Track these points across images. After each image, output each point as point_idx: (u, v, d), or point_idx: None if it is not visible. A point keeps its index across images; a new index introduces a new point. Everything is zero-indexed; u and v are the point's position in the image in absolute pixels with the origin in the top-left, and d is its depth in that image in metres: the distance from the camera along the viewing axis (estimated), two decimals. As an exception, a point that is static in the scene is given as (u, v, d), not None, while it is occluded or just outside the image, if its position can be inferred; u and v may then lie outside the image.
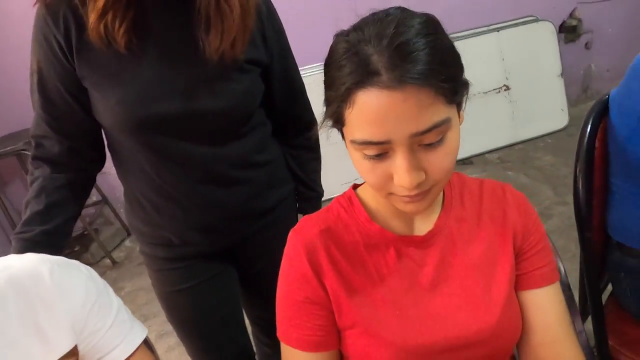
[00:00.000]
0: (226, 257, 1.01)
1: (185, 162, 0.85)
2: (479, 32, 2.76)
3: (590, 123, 0.90)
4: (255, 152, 0.92)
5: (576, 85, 3.16)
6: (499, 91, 2.85)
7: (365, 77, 0.48)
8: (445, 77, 0.48)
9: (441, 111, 0.49)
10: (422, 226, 0.62)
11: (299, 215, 1.09)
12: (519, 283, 0.62)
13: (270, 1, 0.89)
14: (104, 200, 2.62)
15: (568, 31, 3.03)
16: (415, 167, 0.50)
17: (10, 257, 0.59)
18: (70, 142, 0.84)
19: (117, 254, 2.57)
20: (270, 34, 0.86)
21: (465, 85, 0.53)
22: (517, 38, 2.83)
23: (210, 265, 0.99)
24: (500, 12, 2.82)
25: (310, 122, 1.03)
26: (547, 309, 0.61)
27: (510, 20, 2.84)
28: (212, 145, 0.85)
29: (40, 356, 0.54)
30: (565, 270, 0.76)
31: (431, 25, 0.50)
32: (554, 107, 2.95)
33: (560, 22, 2.98)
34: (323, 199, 1.11)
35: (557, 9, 2.93)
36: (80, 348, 0.58)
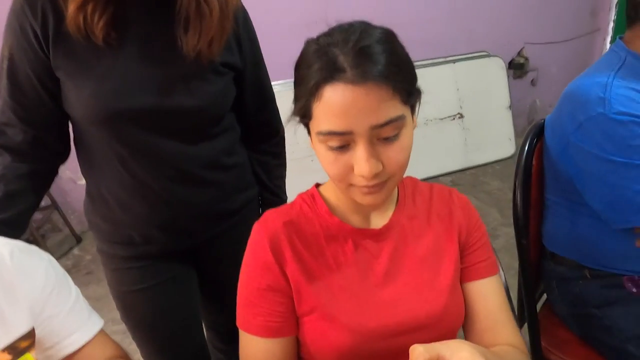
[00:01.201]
0: (187, 259, 1.01)
1: (156, 158, 0.85)
2: (436, 63, 2.95)
3: (527, 143, 1.01)
4: (224, 155, 0.95)
5: (523, 117, 3.41)
6: (454, 118, 3.03)
7: (333, 73, 0.54)
8: (401, 78, 0.55)
9: (398, 108, 0.56)
10: (378, 221, 0.68)
11: None
12: (464, 275, 0.69)
13: (247, 12, 0.93)
14: (54, 206, 2.52)
15: (516, 68, 3.28)
16: (374, 158, 0.56)
17: None
18: (35, 131, 0.83)
19: (64, 262, 2.46)
20: (245, 42, 0.91)
21: (418, 92, 0.60)
22: (471, 71, 3.04)
23: (170, 266, 0.99)
24: (456, 46, 3.02)
25: (278, 129, 1.08)
26: (489, 297, 0.68)
27: (465, 54, 3.05)
28: (183, 142, 0.86)
29: None
30: (507, 285, 0.84)
31: (389, 36, 0.58)
32: (502, 137, 3.16)
33: (509, 59, 3.23)
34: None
35: (507, 46, 3.19)
36: (37, 332, 0.58)
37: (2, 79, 0.80)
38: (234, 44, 0.89)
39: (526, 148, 1.01)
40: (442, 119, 2.99)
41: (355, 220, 0.68)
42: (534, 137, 1.02)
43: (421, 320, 0.64)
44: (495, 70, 3.09)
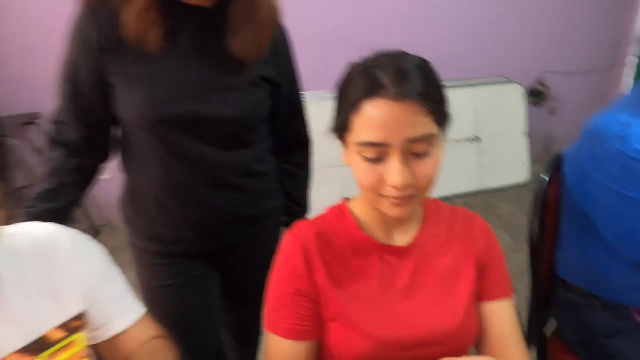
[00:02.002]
0: (211, 259, 1.06)
1: (193, 162, 0.91)
2: (456, 85, 3.00)
3: (546, 173, 1.05)
4: (255, 162, 1.00)
5: (539, 145, 3.43)
6: (470, 141, 3.07)
7: (374, 90, 0.60)
8: (435, 100, 0.61)
9: (431, 126, 0.61)
10: (402, 238, 0.73)
11: (282, 229, 1.18)
12: (481, 295, 0.73)
13: (286, 29, 0.99)
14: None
15: (535, 95, 3.31)
16: (406, 171, 0.61)
17: (35, 223, 0.64)
18: (87, 131, 0.90)
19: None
20: (283, 58, 0.97)
21: (449, 116, 0.66)
22: (490, 95, 3.08)
23: (195, 266, 1.04)
24: (476, 70, 3.07)
25: (306, 141, 1.13)
26: (502, 318, 0.72)
27: (485, 78, 3.10)
28: (219, 149, 0.92)
29: (52, 315, 0.60)
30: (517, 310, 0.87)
31: (425, 63, 0.65)
32: (517, 162, 3.18)
33: (529, 86, 3.27)
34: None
35: (527, 74, 3.22)
36: (90, 313, 0.64)
37: (65, 82, 0.87)
38: (274, 59, 0.95)
39: (544, 178, 1.05)
40: (458, 140, 3.03)
41: (381, 236, 0.72)
42: (553, 167, 1.06)
43: (437, 335, 0.68)
44: (513, 97, 3.13)
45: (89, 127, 0.90)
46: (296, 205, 1.15)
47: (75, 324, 0.61)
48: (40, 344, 0.58)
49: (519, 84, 3.12)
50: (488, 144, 3.10)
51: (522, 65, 3.17)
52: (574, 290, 1.06)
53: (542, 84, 3.30)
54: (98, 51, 0.83)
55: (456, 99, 2.98)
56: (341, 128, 0.66)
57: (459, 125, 2.96)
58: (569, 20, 3.17)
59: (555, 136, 3.45)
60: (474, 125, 3.07)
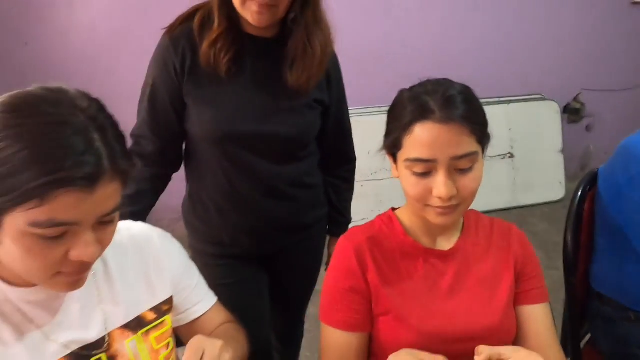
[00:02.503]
0: (263, 263, 1.17)
1: (252, 174, 1.03)
2: (490, 102, 3.03)
3: (581, 189, 1.10)
4: (305, 175, 1.11)
5: (575, 162, 3.40)
6: (504, 157, 3.08)
7: (424, 114, 0.70)
8: (477, 122, 0.70)
9: (474, 145, 0.70)
10: (444, 244, 0.81)
11: (327, 237, 1.27)
12: (518, 299, 0.80)
13: (336, 55, 1.10)
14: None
15: (571, 113, 3.30)
16: (451, 184, 0.70)
17: (129, 222, 0.76)
18: (162, 144, 1.03)
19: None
20: (334, 82, 1.08)
21: (489, 136, 0.74)
22: (525, 112, 3.10)
23: (248, 268, 1.15)
24: (511, 87, 3.09)
25: (352, 158, 1.23)
26: (539, 321, 0.79)
27: (519, 95, 3.12)
28: (274, 163, 1.04)
29: (146, 298, 0.70)
30: None
31: (468, 90, 0.75)
32: (552, 180, 3.17)
33: (564, 104, 3.26)
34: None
35: (563, 91, 3.22)
36: (174, 299, 0.74)
37: (144, 102, 1.01)
38: (325, 84, 1.06)
39: (579, 194, 1.10)
40: (492, 156, 3.05)
41: (426, 242, 0.81)
42: (588, 184, 1.11)
43: (477, 332, 0.75)
44: (549, 114, 3.13)
45: (164, 140, 1.03)
46: (340, 216, 1.24)
47: (165, 307, 0.72)
48: (138, 323, 0.68)
49: (555, 101, 3.12)
50: (523, 160, 3.10)
51: (558, 83, 3.17)
52: (609, 303, 1.09)
53: (578, 101, 3.29)
54: (176, 76, 0.97)
55: (490, 115, 3.01)
56: (393, 146, 0.75)
57: (493, 141, 3.02)
58: (606, 38, 3.16)
59: (592, 153, 3.42)
60: (508, 141, 3.08)
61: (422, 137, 0.69)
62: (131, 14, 2.37)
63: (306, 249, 1.20)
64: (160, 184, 1.07)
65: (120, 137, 0.55)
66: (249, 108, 0.98)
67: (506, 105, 3.06)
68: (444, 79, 0.76)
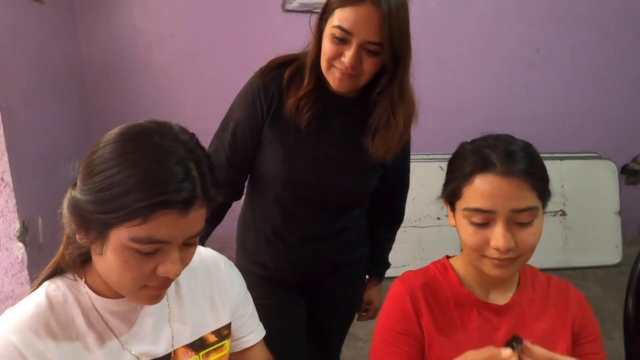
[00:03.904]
0: (303, 292, 1.21)
1: (306, 219, 1.09)
2: (544, 157, 2.95)
3: (644, 255, 1.06)
4: (353, 221, 1.16)
5: (633, 226, 3.22)
6: (555, 215, 2.98)
7: (485, 166, 0.72)
8: (539, 177, 0.72)
9: (534, 200, 0.71)
10: (499, 298, 0.81)
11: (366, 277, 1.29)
12: None
13: None
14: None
15: (630, 174, 3.17)
16: (509, 236, 0.70)
17: (199, 246, 0.81)
18: (233, 174, 1.10)
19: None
20: (402, 149, 1.09)
21: (549, 192, 0.75)
22: (579, 170, 3.01)
23: (289, 293, 1.20)
24: (565, 144, 3.03)
25: (400, 216, 1.26)
26: None
27: (574, 153, 3.05)
28: (329, 211, 1.10)
29: (209, 321, 0.75)
30: None
31: (529, 146, 0.76)
32: (608, 242, 3.01)
33: (622, 164, 3.14)
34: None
35: (622, 151, 3.11)
36: (232, 325, 0.78)
37: (226, 133, 1.08)
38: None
39: (641, 258, 1.06)
40: (543, 213, 2.96)
41: (480, 294, 0.81)
42: (651, 251, 1.07)
43: None
44: (605, 173, 3.03)
45: (237, 172, 1.11)
46: (380, 259, 1.28)
47: (225, 332, 0.76)
48: (201, 344, 0.72)
49: (612, 161, 3.02)
50: (576, 219, 2.98)
51: (615, 142, 3.08)
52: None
53: (637, 163, 3.16)
54: (262, 117, 1.04)
55: None
56: (452, 195, 0.77)
57: (544, 197, 2.94)
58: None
59: (652, 218, 3.24)
60: (560, 199, 2.99)
61: (482, 188, 0.72)
62: (200, 60, 2.58)
63: (346, 284, 1.23)
64: (221, 212, 1.14)
65: (211, 168, 0.62)
66: (320, 161, 1.04)
67: (559, 161, 3.00)
68: (506, 135, 0.78)
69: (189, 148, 0.59)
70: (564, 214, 2.99)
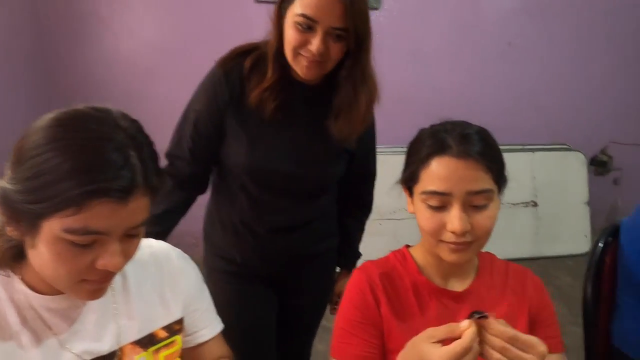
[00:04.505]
0: (272, 285, 1.20)
1: (273, 207, 1.07)
2: (515, 149, 3.02)
3: (602, 242, 1.08)
4: (321, 210, 1.15)
5: (601, 216, 3.30)
6: (527, 206, 3.03)
7: (442, 148, 0.72)
8: (494, 160, 0.72)
9: (489, 183, 0.71)
10: (457, 285, 0.81)
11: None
12: None
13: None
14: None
15: (598, 165, 3.25)
16: (465, 219, 0.70)
17: (150, 239, 0.79)
18: (196, 167, 1.08)
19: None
20: (367, 134, 1.10)
21: (505, 179, 0.75)
22: (550, 162, 3.07)
23: (258, 290, 1.18)
24: (537, 136, 3.09)
25: (368, 203, 1.25)
26: None
27: (545, 144, 3.10)
28: (296, 200, 1.08)
29: (160, 316, 0.72)
30: None
31: (485, 131, 0.77)
32: (577, 232, 3.08)
33: (591, 155, 3.22)
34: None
35: (590, 143, 3.18)
36: (184, 320, 0.76)
37: (187, 125, 1.05)
38: (359, 137, 1.08)
39: (600, 246, 1.08)
40: (515, 203, 3.01)
41: (439, 282, 0.80)
42: (609, 237, 1.09)
43: None
44: (575, 165, 3.09)
45: (201, 164, 1.08)
46: (350, 249, 1.27)
47: (176, 327, 0.73)
48: (149, 340, 0.70)
49: (581, 152, 3.09)
50: (546, 210, 3.04)
51: (585, 134, 3.14)
52: (632, 364, 1.04)
53: (605, 154, 3.24)
54: (223, 107, 1.02)
55: (514, 162, 3.04)
56: (410, 179, 0.77)
57: (516, 189, 2.99)
58: (636, 92, 3.14)
59: (619, 207, 3.32)
60: (532, 190, 3.04)
61: (438, 170, 0.71)
62: (170, 48, 2.51)
63: (317, 276, 1.22)
64: (185, 206, 1.11)
65: (155, 156, 0.59)
66: (284, 149, 1.03)
67: (531, 153, 3.05)
68: (463, 121, 0.78)
69: (130, 134, 0.56)
70: (535, 204, 3.05)
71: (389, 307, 0.77)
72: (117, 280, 0.69)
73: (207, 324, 0.79)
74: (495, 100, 2.97)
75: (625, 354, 1.06)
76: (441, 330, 0.61)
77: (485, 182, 0.71)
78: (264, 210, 1.07)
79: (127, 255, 0.59)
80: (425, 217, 0.73)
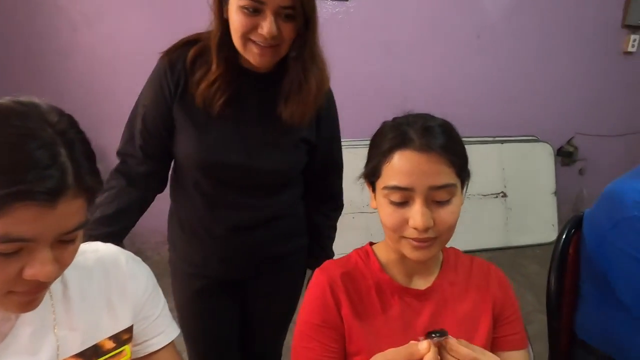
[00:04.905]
0: (235, 289, 1.15)
1: (232, 204, 1.02)
2: (484, 141, 3.06)
3: (566, 232, 1.09)
4: (285, 207, 1.10)
5: (568, 205, 3.40)
6: (496, 197, 3.08)
7: (404, 142, 0.69)
8: (457, 154, 0.70)
9: (452, 177, 0.69)
10: (421, 283, 0.79)
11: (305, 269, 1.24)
12: (496, 345, 0.77)
13: (332, 93, 1.08)
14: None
15: (565, 155, 3.33)
16: (428, 214, 0.68)
17: (97, 243, 0.73)
18: (150, 165, 1.02)
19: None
20: (324, 121, 1.06)
21: (468, 172, 0.73)
22: (518, 153, 3.12)
23: (220, 294, 1.13)
24: (505, 128, 3.13)
25: (337, 199, 1.20)
26: None
27: (513, 136, 3.15)
28: (256, 195, 1.03)
29: (106, 325, 0.67)
30: None
31: (448, 124, 0.74)
32: (545, 222, 3.16)
33: (558, 147, 3.29)
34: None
35: (557, 134, 3.25)
36: (134, 329, 0.71)
37: (136, 120, 1.00)
38: (315, 123, 1.05)
39: (564, 237, 1.08)
40: (484, 195, 3.05)
41: (402, 279, 0.78)
42: (573, 227, 1.10)
43: None
44: (542, 156, 3.16)
45: (154, 162, 1.02)
46: (320, 249, 1.22)
47: (125, 336, 0.69)
48: (94, 351, 0.65)
49: (549, 143, 3.15)
50: (515, 200, 3.10)
51: (552, 126, 3.21)
52: (594, 353, 1.06)
53: (571, 145, 3.32)
54: (170, 98, 0.97)
55: (484, 154, 3.09)
56: (372, 174, 0.74)
57: (486, 180, 3.04)
58: (599, 85, 3.22)
59: (585, 197, 3.42)
60: (501, 181, 3.09)
61: (400, 165, 0.69)
62: (132, 41, 2.41)
63: (283, 278, 1.17)
64: (141, 205, 1.05)
65: (90, 154, 0.54)
66: (235, 141, 0.98)
67: (500, 144, 3.09)
68: (426, 113, 0.76)
69: (59, 130, 0.51)
70: (504, 195, 3.10)
71: (350, 308, 0.74)
72: (56, 288, 0.64)
73: (160, 332, 0.74)
74: (465, 92, 2.99)
75: (588, 344, 1.07)
76: (401, 355, 0.60)
77: (448, 176, 0.69)
78: (219, 208, 1.02)
79: (62, 263, 0.54)
80: (387, 213, 0.71)
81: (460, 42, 2.93)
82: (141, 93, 1.01)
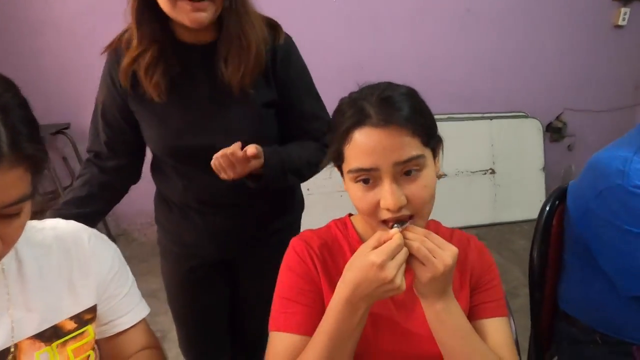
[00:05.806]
0: (225, 268, 1.14)
1: (209, 184, 0.98)
2: (473, 117, 3.03)
3: (549, 205, 1.07)
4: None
5: (556, 181, 3.40)
6: (485, 173, 3.07)
7: (361, 119, 0.64)
8: (420, 123, 0.64)
9: (418, 148, 0.64)
10: None
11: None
12: (474, 312, 0.74)
13: (293, 47, 0.99)
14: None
15: (554, 131, 3.31)
16: (398, 192, 0.63)
17: (58, 220, 0.70)
18: (119, 159, 1.00)
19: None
20: (283, 73, 0.97)
21: (439, 139, 0.69)
22: (507, 129, 3.10)
23: (210, 270, 1.12)
24: (494, 104, 3.10)
25: (317, 142, 1.03)
26: (494, 335, 0.72)
27: (503, 112, 3.12)
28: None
29: (67, 306, 0.64)
30: (520, 347, 0.85)
31: (411, 90, 0.69)
32: (533, 197, 3.16)
33: (547, 122, 3.27)
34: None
35: (546, 110, 3.23)
36: (99, 308, 0.68)
37: (98, 117, 0.98)
38: (272, 82, 0.97)
39: (547, 209, 1.06)
40: (473, 172, 3.04)
41: None
42: (557, 200, 1.08)
43: (431, 351, 0.69)
44: (531, 132, 3.14)
45: (121, 156, 1.00)
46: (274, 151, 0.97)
47: (87, 316, 0.66)
48: (54, 332, 0.62)
49: (537, 119, 3.13)
50: (504, 177, 3.09)
51: (541, 101, 3.18)
52: (576, 324, 1.05)
53: (560, 120, 3.31)
54: (122, 91, 0.93)
55: (472, 130, 3.06)
56: (336, 158, 0.70)
57: (474, 156, 3.02)
58: (589, 60, 3.19)
59: (573, 173, 3.43)
60: (490, 158, 3.08)
61: (361, 144, 0.64)
62: (103, 17, 2.32)
63: (276, 256, 1.14)
64: (114, 194, 1.04)
65: (29, 119, 0.50)
66: (193, 123, 0.94)
67: (489, 121, 3.06)
68: (386, 82, 0.70)
69: None
70: (493, 172, 3.09)
71: (326, 279, 0.72)
72: (10, 267, 0.61)
73: (127, 311, 0.72)
74: (454, 68, 2.94)
75: (570, 315, 1.06)
76: (372, 239, 0.63)
77: (413, 148, 0.63)
78: (201, 188, 1.00)
79: (6, 239, 0.51)
80: (358, 197, 0.67)
81: (449, 16, 2.86)
82: (98, 90, 0.98)
